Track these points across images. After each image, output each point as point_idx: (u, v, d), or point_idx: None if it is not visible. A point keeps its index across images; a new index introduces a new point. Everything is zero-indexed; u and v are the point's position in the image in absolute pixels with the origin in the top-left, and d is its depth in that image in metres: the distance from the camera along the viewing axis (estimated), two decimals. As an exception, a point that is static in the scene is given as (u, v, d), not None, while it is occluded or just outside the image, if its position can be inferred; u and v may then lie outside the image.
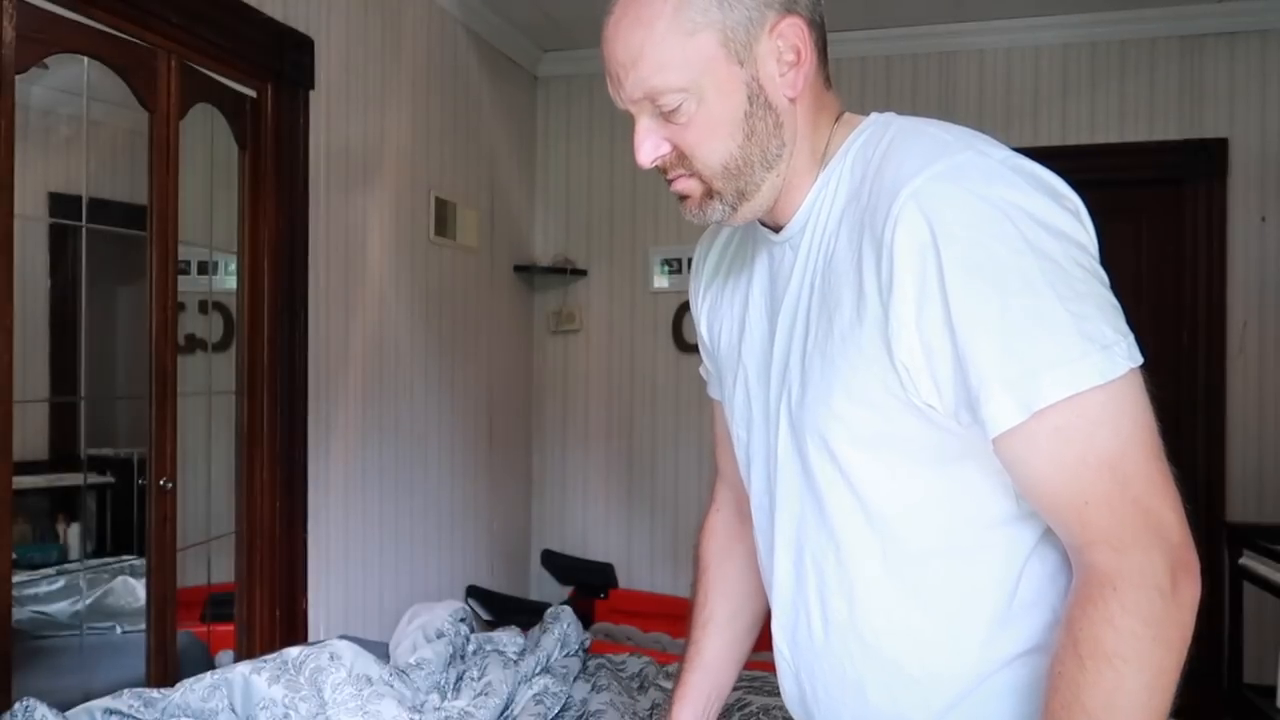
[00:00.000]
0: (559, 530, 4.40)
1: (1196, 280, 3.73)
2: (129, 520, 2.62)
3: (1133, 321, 0.84)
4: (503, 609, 3.69)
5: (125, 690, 1.80)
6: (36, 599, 2.72)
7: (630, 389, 4.33)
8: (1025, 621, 0.92)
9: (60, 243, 2.96)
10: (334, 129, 2.91)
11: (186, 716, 1.78)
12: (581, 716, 2.05)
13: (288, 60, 2.67)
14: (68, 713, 1.71)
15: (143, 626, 2.35)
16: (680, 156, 0.95)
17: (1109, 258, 0.86)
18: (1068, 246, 0.82)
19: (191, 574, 2.60)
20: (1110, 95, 3.81)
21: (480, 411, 3.91)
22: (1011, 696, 0.92)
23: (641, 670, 2.31)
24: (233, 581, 2.66)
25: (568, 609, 2.39)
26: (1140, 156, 3.78)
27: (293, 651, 1.96)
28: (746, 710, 1.95)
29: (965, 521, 0.92)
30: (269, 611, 2.67)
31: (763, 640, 1.26)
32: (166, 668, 2.33)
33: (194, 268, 2.65)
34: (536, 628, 2.34)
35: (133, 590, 2.71)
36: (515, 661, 2.15)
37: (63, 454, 2.93)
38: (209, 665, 2.52)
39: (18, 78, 1.94)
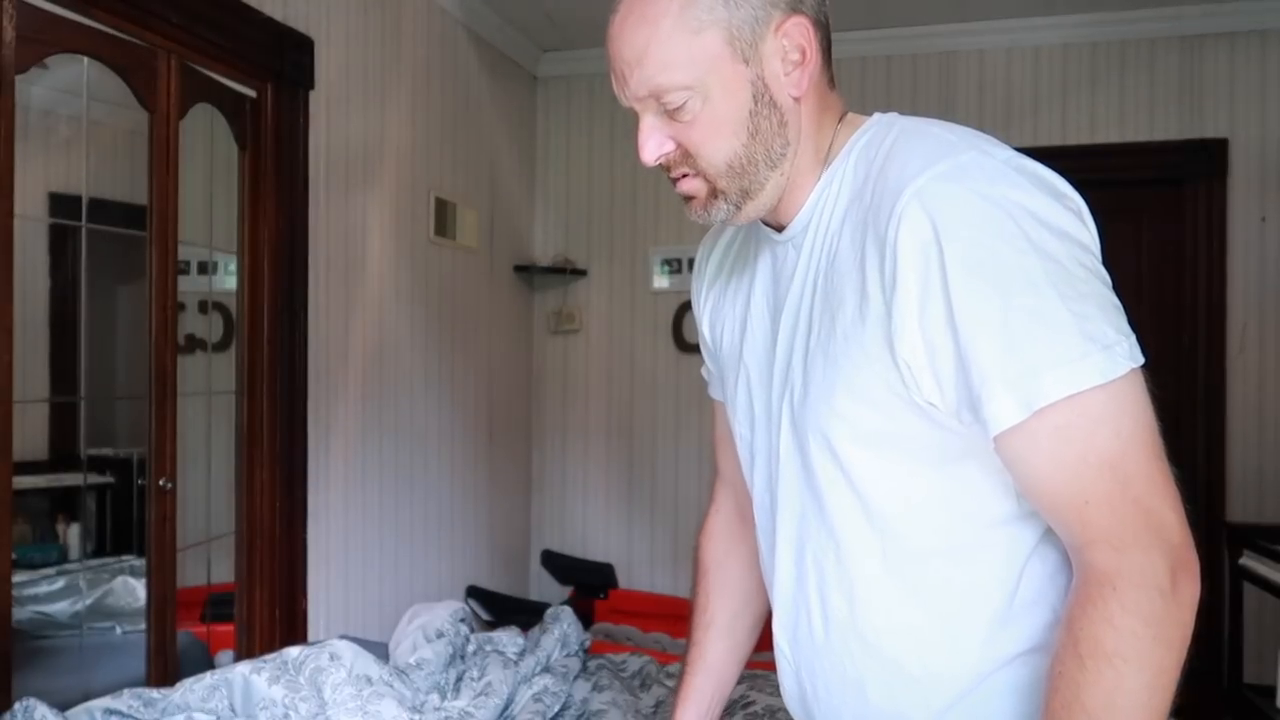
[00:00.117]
0: (559, 530, 4.40)
1: (1196, 280, 3.72)
2: (129, 520, 2.62)
3: (1133, 321, 0.84)
4: (503, 609, 3.69)
5: (125, 690, 1.80)
6: (36, 599, 2.72)
7: (630, 389, 4.33)
8: (1025, 621, 0.92)
9: (60, 243, 2.96)
10: (334, 129, 2.91)
11: (186, 717, 1.78)
12: (582, 716, 2.05)
13: (288, 60, 2.67)
14: (68, 713, 1.71)
15: (143, 626, 2.35)
16: (684, 155, 0.95)
17: (1109, 258, 0.87)
18: (1070, 246, 0.82)
19: (191, 574, 2.60)
20: (1110, 95, 3.81)
21: (480, 411, 3.91)
22: (1011, 696, 0.92)
23: (642, 669, 2.31)
24: (233, 581, 2.66)
25: (568, 609, 2.39)
26: (1140, 156, 3.78)
27: (293, 651, 1.96)
28: (751, 709, 1.95)
29: (966, 521, 0.92)
30: (269, 611, 2.67)
31: (765, 639, 1.26)
32: (166, 668, 2.33)
33: (194, 268, 2.65)
34: (536, 628, 2.34)
35: (133, 590, 2.71)
36: (515, 662, 2.15)
37: (63, 454, 2.93)
38: (209, 665, 2.52)
39: (18, 78, 1.94)
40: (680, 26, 0.90)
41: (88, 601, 2.70)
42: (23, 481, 2.41)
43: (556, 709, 2.04)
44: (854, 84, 3.97)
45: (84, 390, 2.79)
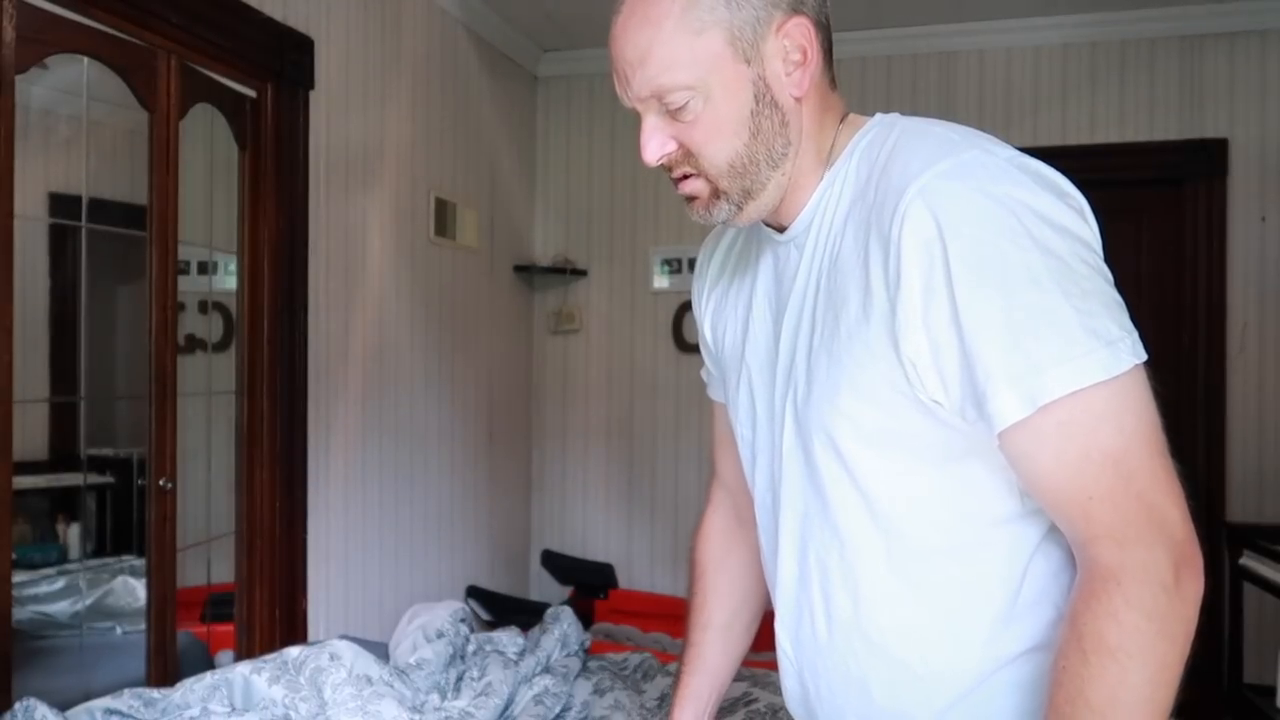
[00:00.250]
0: (559, 530, 4.40)
1: (1196, 280, 3.72)
2: (129, 520, 2.63)
3: (1133, 320, 0.84)
4: (503, 609, 3.69)
5: (125, 690, 1.80)
6: (36, 599, 2.72)
7: (630, 389, 4.33)
8: (1029, 619, 0.93)
9: (60, 243, 2.96)
10: (334, 129, 2.91)
11: (186, 717, 1.78)
12: (584, 718, 2.05)
13: (288, 60, 2.67)
14: (68, 713, 1.71)
15: (143, 626, 2.35)
16: (686, 155, 0.95)
17: (1109, 258, 0.87)
18: (1073, 244, 0.83)
19: (191, 574, 2.60)
20: (1110, 95, 3.81)
21: (480, 411, 3.91)
22: (1015, 693, 0.93)
23: (643, 663, 2.31)
24: (233, 581, 2.66)
25: (568, 609, 2.39)
26: (1140, 156, 3.78)
27: (293, 651, 1.96)
28: (753, 707, 1.95)
29: (969, 519, 0.92)
30: (269, 611, 2.67)
31: (767, 639, 1.26)
32: (166, 668, 2.33)
33: (194, 268, 2.65)
34: (536, 628, 2.34)
35: (133, 590, 2.71)
36: (515, 662, 2.15)
37: (63, 454, 2.93)
38: (209, 665, 2.52)
39: (18, 78, 1.94)
40: (682, 27, 0.90)
41: (88, 601, 2.70)
42: (23, 481, 2.41)
43: (557, 710, 2.04)
44: (854, 84, 3.97)
45: (84, 390, 2.79)
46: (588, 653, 2.35)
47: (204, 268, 2.72)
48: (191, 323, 2.70)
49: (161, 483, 2.32)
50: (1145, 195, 3.81)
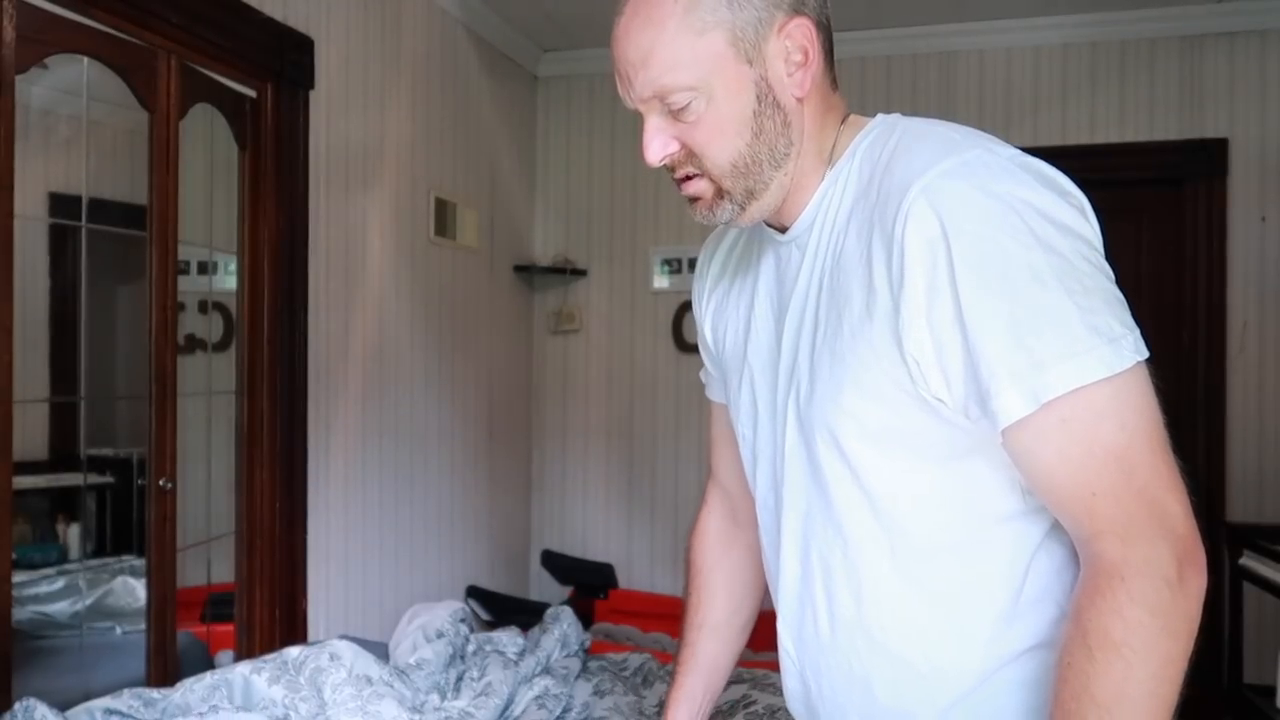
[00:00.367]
0: (559, 530, 4.40)
1: (1196, 280, 3.73)
2: (129, 520, 2.63)
3: (1134, 319, 0.85)
4: (503, 609, 3.69)
5: (125, 690, 1.80)
6: (36, 599, 2.72)
7: (630, 389, 4.33)
8: (1032, 617, 0.93)
9: (60, 243, 2.96)
10: (334, 129, 2.91)
11: (186, 716, 1.78)
12: (585, 719, 2.05)
13: (288, 60, 2.67)
14: (68, 713, 1.71)
15: (143, 626, 2.35)
16: (689, 155, 0.96)
17: (1109, 257, 0.87)
18: (1074, 242, 0.83)
19: (191, 574, 2.60)
20: (1110, 95, 3.81)
21: (480, 411, 3.91)
22: (1017, 691, 0.93)
23: (643, 665, 2.31)
24: (233, 581, 2.66)
25: (568, 609, 2.39)
26: (1140, 156, 3.78)
27: (293, 651, 1.96)
28: (752, 709, 1.95)
29: (973, 517, 0.93)
30: (269, 611, 2.67)
31: (766, 639, 1.26)
32: (166, 668, 2.33)
33: (194, 268, 2.65)
34: (536, 628, 2.34)
35: (133, 590, 2.71)
36: (515, 662, 2.15)
37: (63, 454, 2.93)
38: (209, 665, 2.52)
39: (18, 78, 1.94)
40: (684, 28, 0.91)
41: (88, 601, 2.70)
42: (23, 481, 2.41)
43: (558, 712, 2.04)
44: (854, 84, 3.97)
45: (84, 390, 2.79)
46: (588, 653, 2.35)
47: (204, 268, 2.72)
48: (191, 323, 2.70)
49: (161, 483, 2.32)
50: (1145, 195, 3.81)
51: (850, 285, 0.91)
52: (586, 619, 3.77)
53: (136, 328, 2.39)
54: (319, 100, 2.83)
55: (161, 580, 2.33)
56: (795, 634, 1.04)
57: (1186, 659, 0.80)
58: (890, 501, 0.93)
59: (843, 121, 1.00)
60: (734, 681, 2.05)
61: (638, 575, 4.28)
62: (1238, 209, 3.70)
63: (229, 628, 2.67)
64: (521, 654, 2.20)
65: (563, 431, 4.41)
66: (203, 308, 2.81)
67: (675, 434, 4.25)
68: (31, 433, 2.87)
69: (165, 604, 2.35)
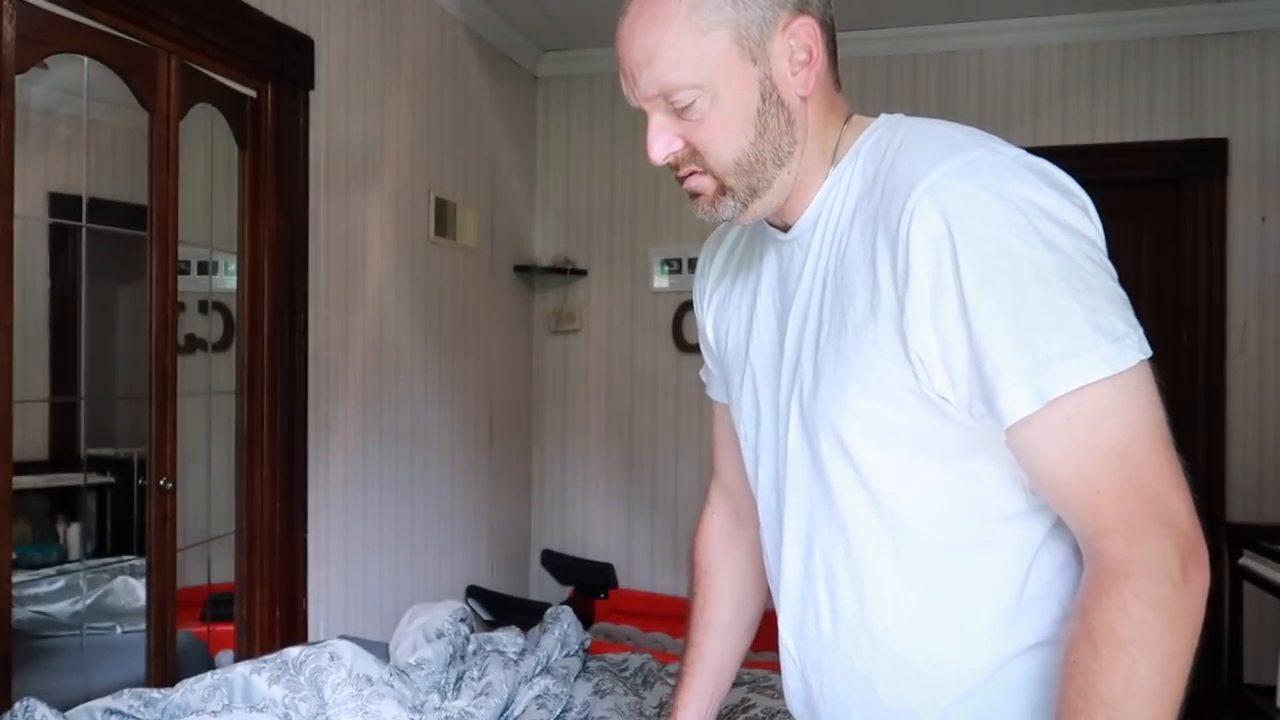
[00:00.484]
0: (559, 530, 4.40)
1: (1196, 280, 3.73)
2: (129, 520, 2.62)
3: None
4: (503, 609, 3.69)
5: (125, 690, 1.80)
6: (36, 599, 2.72)
7: (630, 389, 4.33)
8: (1034, 615, 0.93)
9: (60, 243, 2.96)
10: (334, 129, 2.91)
11: (199, 716, 1.78)
12: (585, 719, 2.05)
13: (288, 60, 2.67)
14: (68, 713, 1.71)
15: (143, 626, 2.35)
16: (692, 153, 0.96)
17: (1110, 257, 0.88)
18: (1078, 241, 0.84)
19: (191, 574, 2.60)
20: (1110, 95, 3.81)
21: (480, 411, 3.91)
22: (1019, 690, 0.93)
23: (643, 666, 2.31)
24: (233, 581, 2.66)
25: (568, 609, 2.39)
26: (1140, 156, 3.78)
27: (293, 651, 1.96)
28: (751, 713, 1.95)
29: (976, 515, 0.93)
30: (269, 611, 2.67)
31: (766, 640, 1.26)
32: (166, 668, 2.33)
33: (194, 268, 2.65)
34: (536, 628, 2.34)
35: (133, 590, 2.71)
36: (515, 662, 2.15)
37: (63, 454, 2.93)
38: (209, 665, 2.52)
39: (18, 78, 1.94)
40: (689, 27, 0.91)
41: (88, 601, 2.70)
42: (23, 481, 2.41)
43: (558, 712, 2.04)
44: (854, 84, 3.96)
45: (84, 390, 2.79)
46: (588, 653, 2.35)
47: (204, 268, 2.72)
48: (191, 323, 2.70)
49: (161, 483, 2.32)
50: (1145, 195, 3.81)
51: (854, 284, 0.91)
52: (586, 619, 3.77)
53: (136, 328, 2.39)
54: (319, 100, 2.82)
55: (161, 580, 2.33)
56: (797, 633, 1.04)
57: (1191, 655, 0.81)
58: (893, 500, 0.94)
59: (846, 121, 1.00)
60: (733, 684, 2.05)
61: (638, 575, 4.28)
62: (1238, 209, 3.70)
63: (229, 628, 2.67)
64: (521, 654, 2.20)
65: (563, 431, 4.41)
66: (203, 308, 2.81)
67: (675, 434, 4.25)
68: (31, 433, 2.87)
69: (165, 604, 2.35)
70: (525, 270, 4.26)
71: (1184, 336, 3.73)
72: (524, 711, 2.02)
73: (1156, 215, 3.81)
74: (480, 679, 2.05)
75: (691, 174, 0.98)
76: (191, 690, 1.83)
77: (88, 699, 1.78)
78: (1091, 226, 0.86)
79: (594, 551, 4.33)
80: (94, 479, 2.93)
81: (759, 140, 0.94)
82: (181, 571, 2.41)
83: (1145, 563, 0.80)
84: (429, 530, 3.52)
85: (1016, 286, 0.81)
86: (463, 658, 2.18)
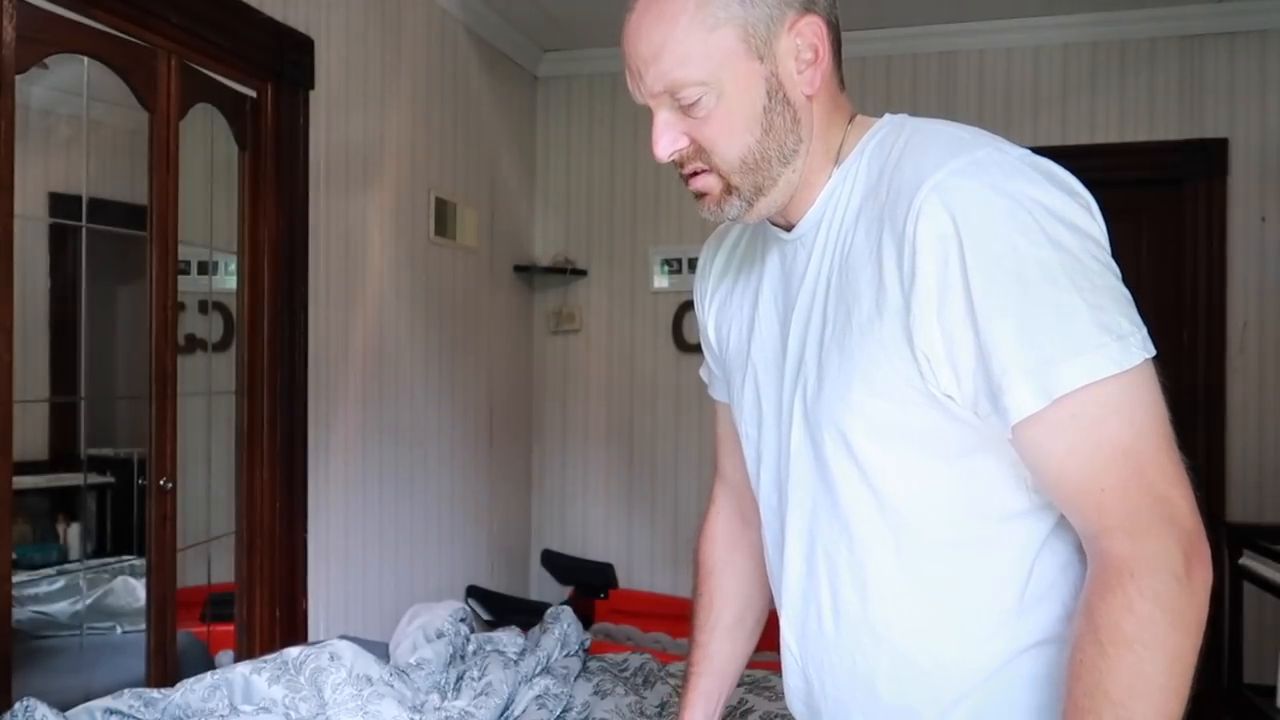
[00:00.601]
0: (559, 530, 4.40)
1: (1196, 280, 3.73)
2: (129, 520, 2.62)
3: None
4: (503, 609, 3.69)
5: (125, 690, 1.80)
6: (36, 599, 2.72)
7: (630, 389, 4.33)
8: (1036, 614, 0.93)
9: (60, 243, 2.96)
10: (334, 129, 2.91)
11: (186, 716, 1.78)
12: (585, 719, 2.05)
13: (288, 60, 2.67)
14: (68, 713, 1.71)
15: (143, 626, 2.35)
16: (698, 151, 0.96)
17: (1111, 257, 0.88)
18: (1083, 240, 0.84)
19: (191, 574, 2.60)
20: (1110, 95, 3.81)
21: (480, 411, 3.91)
22: (1021, 688, 0.93)
23: (643, 665, 2.31)
24: (233, 581, 2.66)
25: (568, 609, 2.39)
26: (1140, 156, 3.78)
27: (293, 651, 1.96)
28: (750, 717, 1.95)
29: (979, 514, 0.93)
30: (269, 611, 2.67)
31: (765, 640, 1.26)
32: (166, 668, 2.33)
33: (194, 268, 2.65)
34: (536, 628, 2.34)
35: (133, 590, 2.71)
36: (515, 661, 2.15)
37: (63, 454, 2.93)
38: (209, 665, 2.52)
39: (18, 78, 1.94)
40: (697, 23, 0.91)
41: (88, 601, 2.70)
42: (23, 481, 2.41)
43: (558, 712, 2.04)
44: (854, 84, 3.90)
45: (84, 390, 2.79)
46: (588, 653, 2.35)
47: (204, 268, 2.72)
48: (191, 323, 2.70)
49: (161, 483, 2.32)
50: (1145, 195, 3.81)
51: (859, 282, 0.92)
52: (586, 619, 3.77)
53: (136, 328, 2.39)
54: (319, 100, 2.82)
55: (161, 580, 2.33)
56: (799, 631, 1.05)
57: (1196, 652, 0.81)
58: (897, 498, 0.94)
59: (850, 121, 1.01)
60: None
61: (638, 575, 4.28)
62: (1238, 209, 3.70)
63: (229, 628, 2.67)
64: (521, 654, 2.20)
65: (563, 431, 4.41)
66: (203, 308, 2.81)
67: (675, 434, 4.25)
68: (31, 433, 2.87)
69: (165, 604, 2.35)
70: (525, 270, 4.26)
71: (1184, 336, 3.73)
72: (524, 711, 2.02)
73: (1156, 215, 3.81)
74: (480, 679, 2.05)
75: (696, 174, 0.98)
76: (191, 690, 1.83)
77: (88, 699, 1.78)
78: (1096, 226, 0.87)
79: (594, 551, 4.33)
80: (94, 479, 2.93)
81: (765, 138, 0.94)
82: (181, 571, 2.41)
83: (1150, 560, 0.81)
84: (429, 530, 3.52)
85: (1023, 285, 0.82)
86: (463, 658, 2.18)
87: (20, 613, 2.46)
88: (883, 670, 0.97)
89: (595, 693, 2.13)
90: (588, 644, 2.36)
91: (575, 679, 2.18)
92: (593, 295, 4.37)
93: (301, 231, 2.75)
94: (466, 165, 3.76)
